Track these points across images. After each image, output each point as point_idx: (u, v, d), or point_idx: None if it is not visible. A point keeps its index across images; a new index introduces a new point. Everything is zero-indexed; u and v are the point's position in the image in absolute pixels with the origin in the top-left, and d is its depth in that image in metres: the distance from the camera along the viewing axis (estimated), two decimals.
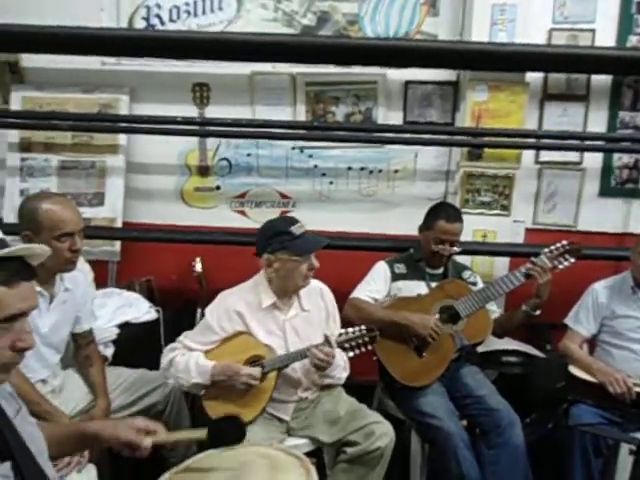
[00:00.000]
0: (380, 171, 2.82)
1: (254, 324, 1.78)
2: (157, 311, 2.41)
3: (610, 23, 2.61)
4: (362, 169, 2.82)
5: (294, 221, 1.79)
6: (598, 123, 2.70)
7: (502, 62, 2.46)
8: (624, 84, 2.67)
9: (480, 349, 2.30)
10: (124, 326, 2.18)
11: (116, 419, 1.66)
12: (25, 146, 2.78)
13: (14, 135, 2.77)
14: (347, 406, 1.82)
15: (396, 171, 2.82)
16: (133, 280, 2.69)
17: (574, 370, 2.02)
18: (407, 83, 2.72)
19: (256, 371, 1.70)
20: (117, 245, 2.75)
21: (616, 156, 2.73)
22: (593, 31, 2.60)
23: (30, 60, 2.79)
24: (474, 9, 2.49)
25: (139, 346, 2.23)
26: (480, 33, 2.49)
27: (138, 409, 1.85)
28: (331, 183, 2.84)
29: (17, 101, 2.76)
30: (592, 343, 2.18)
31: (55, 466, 1.14)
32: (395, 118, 2.75)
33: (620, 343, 2.01)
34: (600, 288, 2.11)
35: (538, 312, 1.98)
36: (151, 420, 1.19)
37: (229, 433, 1.13)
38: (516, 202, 2.65)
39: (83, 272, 1.92)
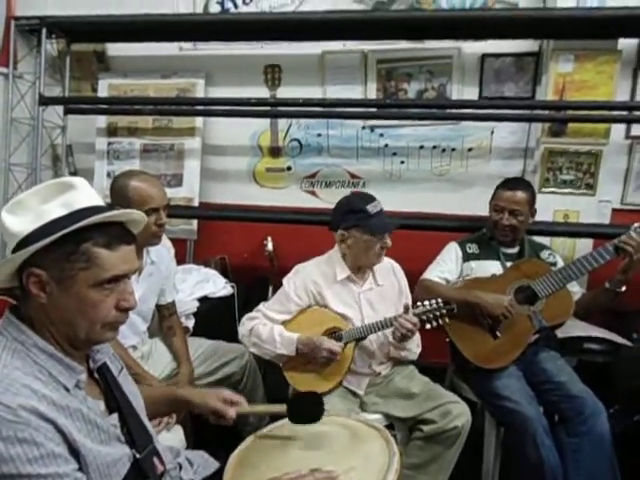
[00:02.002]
0: (453, 149, 2.73)
1: (330, 295, 1.82)
2: (232, 287, 2.51)
3: None
4: (434, 148, 2.75)
5: (371, 199, 1.78)
6: None
7: (593, 29, 2.29)
8: None
9: (560, 335, 2.20)
10: (203, 300, 2.30)
11: (203, 389, 1.76)
12: (112, 131, 2.96)
13: (102, 120, 2.96)
14: (422, 384, 1.82)
15: (470, 149, 2.72)
16: (209, 258, 2.82)
17: None
18: (483, 56, 2.61)
19: (337, 346, 1.73)
20: (194, 224, 2.88)
21: None
22: None
23: (115, 49, 2.95)
24: None
25: (216, 319, 2.34)
26: None
27: (217, 378, 1.95)
28: (402, 162, 2.79)
29: (104, 88, 2.94)
30: None
31: None
32: (470, 93, 2.65)
33: None
34: None
35: (623, 289, 1.86)
36: (233, 391, 1.26)
37: (308, 409, 1.16)
38: (603, 180, 2.48)
39: (166, 247, 2.04)
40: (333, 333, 1.78)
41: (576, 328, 2.29)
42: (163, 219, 1.72)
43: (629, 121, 2.49)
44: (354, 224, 1.76)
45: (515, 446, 1.77)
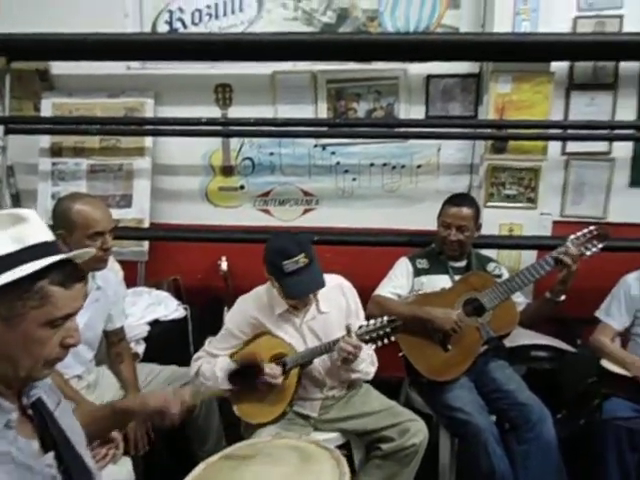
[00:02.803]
0: (403, 166, 2.81)
1: (272, 327, 1.78)
2: (185, 309, 2.46)
3: (638, 8, 2.54)
4: (385, 165, 2.82)
5: (292, 252, 1.64)
6: (627, 111, 2.62)
7: (526, 52, 2.42)
8: None
9: (508, 344, 2.28)
10: (154, 324, 2.24)
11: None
12: (56, 151, 2.86)
13: (45, 140, 2.86)
14: (378, 402, 1.82)
15: (419, 166, 2.81)
16: (161, 279, 2.75)
17: (607, 364, 1.98)
18: (428, 77, 2.71)
19: (275, 368, 1.70)
20: (145, 245, 2.81)
21: None
22: (621, 17, 2.54)
23: (59, 67, 2.88)
24: (495, 0, 2.46)
25: (169, 343, 2.28)
26: (503, 24, 2.45)
27: None
28: (354, 180, 2.84)
29: (47, 107, 2.85)
30: (624, 337, 2.13)
31: (92, 458, 1.18)
32: (417, 113, 2.74)
33: None
34: (632, 280, 2.06)
35: (562, 298, 1.94)
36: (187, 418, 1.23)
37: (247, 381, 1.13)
38: (543, 194, 2.60)
39: (114, 271, 1.98)
40: (278, 359, 1.75)
41: (524, 337, 2.37)
42: (109, 243, 1.67)
43: (564, 138, 2.64)
44: (272, 275, 1.71)
45: (468, 456, 1.81)
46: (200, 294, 2.82)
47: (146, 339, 2.14)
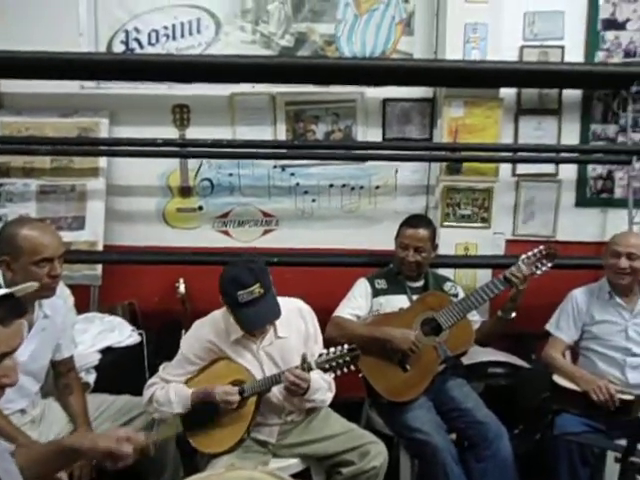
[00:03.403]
0: (362, 187, 2.85)
1: (229, 352, 1.75)
2: (140, 334, 2.38)
3: (578, 40, 2.71)
4: (344, 186, 2.85)
5: (246, 284, 1.62)
6: (571, 136, 2.78)
7: (476, 79, 2.53)
8: (594, 97, 2.75)
9: (466, 361, 2.32)
10: (106, 351, 2.15)
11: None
12: (3, 171, 2.75)
13: None
14: (339, 426, 1.80)
15: (377, 187, 2.85)
16: (115, 304, 2.66)
17: (558, 379, 2.04)
18: (385, 101, 2.78)
19: (232, 389, 1.67)
20: (98, 269, 2.72)
21: (590, 167, 2.80)
22: (562, 47, 2.69)
23: (8, 85, 2.78)
24: (447, 28, 2.57)
25: (122, 371, 2.19)
26: (454, 51, 2.56)
27: None
28: (313, 201, 2.86)
29: None
30: (574, 351, 2.20)
31: None
32: (374, 135, 2.79)
33: (601, 349, 2.04)
34: (579, 294, 2.15)
35: (513, 315, 2.01)
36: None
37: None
38: (496, 214, 2.69)
39: (63, 297, 1.90)
40: (235, 385, 1.71)
41: (481, 354, 2.42)
42: (57, 270, 1.60)
43: (514, 161, 2.75)
44: (227, 304, 1.69)
45: (427, 477, 1.82)
46: (157, 318, 2.74)
47: (98, 368, 2.05)
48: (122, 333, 2.28)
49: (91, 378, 2.00)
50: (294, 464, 1.76)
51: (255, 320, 1.66)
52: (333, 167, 2.81)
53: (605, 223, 2.83)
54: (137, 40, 2.77)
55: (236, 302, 1.62)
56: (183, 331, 2.54)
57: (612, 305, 2.05)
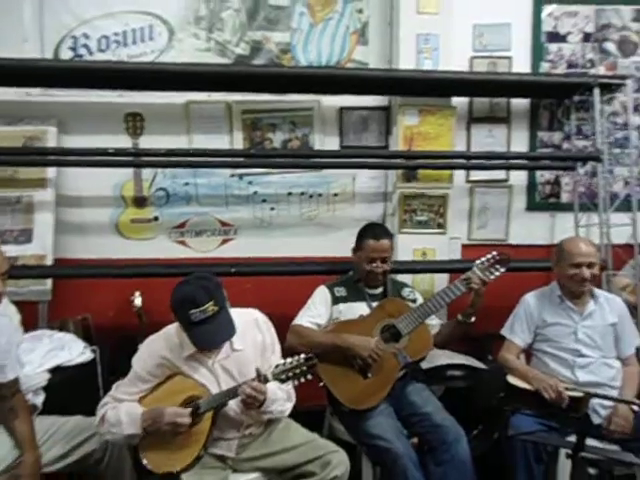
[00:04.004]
0: (320, 195, 2.86)
1: (183, 368, 1.71)
2: (93, 351, 2.29)
3: (524, 51, 2.82)
4: (302, 194, 2.85)
5: (199, 303, 1.58)
6: (520, 143, 2.89)
7: (430, 88, 2.59)
8: (541, 106, 2.87)
9: (426, 365, 2.35)
10: (56, 370, 2.05)
11: None
12: None
13: None
14: (299, 436, 1.78)
15: (335, 194, 2.87)
16: (67, 319, 2.55)
17: (512, 379, 2.09)
18: (341, 109, 2.80)
19: (183, 410, 1.62)
20: (48, 283, 2.60)
21: (538, 173, 2.92)
22: (510, 58, 2.80)
23: None
24: (400, 38, 2.62)
25: (74, 391, 2.10)
26: (407, 61, 2.61)
27: (74, 459, 1.74)
28: (272, 209, 2.84)
29: None
30: (528, 352, 2.28)
31: None
32: (331, 143, 2.81)
33: (552, 351, 2.11)
34: (531, 299, 2.22)
35: (473, 319, 2.05)
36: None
37: None
38: (451, 220, 2.76)
39: (8, 316, 1.81)
40: (190, 402, 1.67)
41: (440, 357, 2.46)
42: (0, 287, 1.52)
43: (468, 168, 2.83)
44: (180, 323, 1.65)
45: None
46: (112, 333, 2.64)
47: (47, 388, 1.95)
48: (73, 351, 2.18)
49: (39, 400, 1.90)
50: (254, 478, 1.73)
51: (209, 339, 1.63)
52: (291, 175, 2.81)
53: (554, 226, 2.95)
54: (86, 46, 2.69)
55: (189, 321, 1.59)
56: (140, 346, 2.47)
57: (563, 308, 2.13)
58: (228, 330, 1.65)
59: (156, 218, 2.80)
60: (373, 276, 2.15)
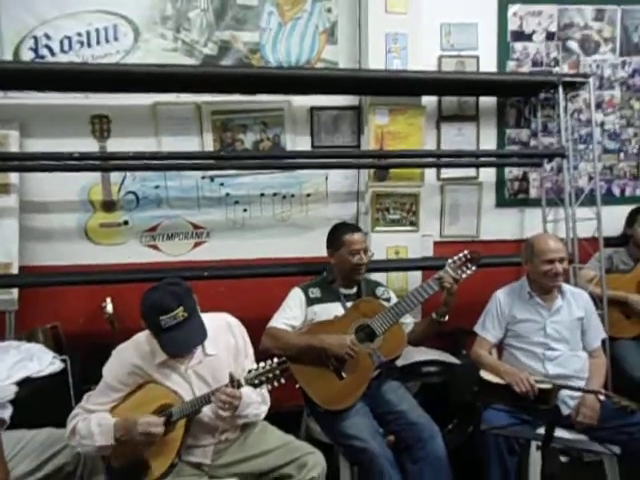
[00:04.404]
0: (293, 196, 2.85)
1: (156, 375, 1.69)
2: (63, 360, 2.23)
3: (491, 50, 2.87)
4: (275, 195, 2.84)
5: (168, 309, 1.57)
6: (489, 140, 2.93)
7: (399, 87, 2.61)
8: (508, 104, 2.92)
9: (401, 362, 2.37)
10: (24, 382, 2.00)
11: None
12: None
13: None
14: (275, 439, 1.77)
15: (308, 195, 2.87)
16: (36, 329, 2.48)
17: (484, 374, 2.14)
18: (312, 109, 2.79)
19: (156, 419, 1.60)
20: (14, 293, 2.52)
21: (507, 169, 2.97)
22: (477, 57, 2.84)
23: None
24: (369, 38, 2.62)
25: (45, 402, 2.05)
26: (377, 60, 2.62)
27: (45, 473, 1.69)
28: (245, 210, 2.82)
29: None
30: (500, 347, 2.32)
31: None
32: (303, 143, 2.81)
33: (522, 346, 2.16)
34: (501, 295, 2.27)
35: (446, 318, 2.08)
36: None
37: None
38: (423, 218, 2.79)
39: None
40: (163, 411, 1.65)
41: (415, 353, 2.49)
42: None
43: (438, 166, 2.86)
44: (150, 329, 1.63)
45: None
46: (83, 341, 2.59)
47: (14, 401, 1.90)
48: (43, 361, 2.12)
49: (6, 414, 1.84)
50: None
51: (180, 345, 1.62)
52: (263, 176, 2.80)
53: (523, 221, 3.01)
54: (48, 47, 2.61)
55: (159, 327, 1.57)
56: (113, 353, 2.42)
57: (532, 304, 2.18)
58: (199, 335, 1.64)
59: (126, 222, 2.75)
60: (359, 269, 2.16)
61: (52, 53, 2.62)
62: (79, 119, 2.64)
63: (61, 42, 2.62)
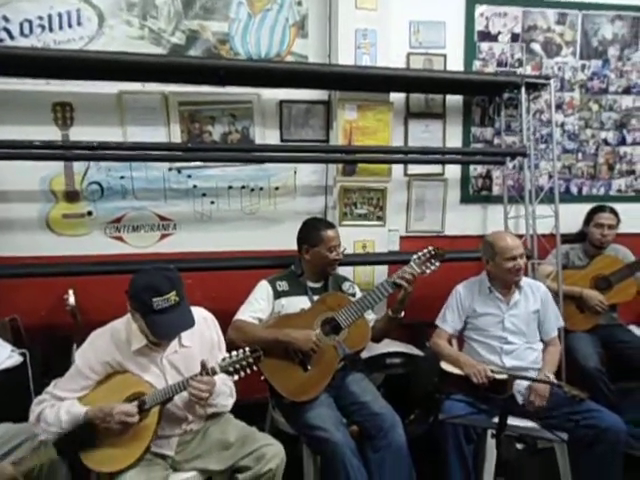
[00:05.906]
0: (261, 189, 2.85)
1: (129, 364, 1.69)
2: (22, 354, 2.19)
3: (458, 49, 2.92)
4: (243, 187, 2.83)
5: (162, 291, 1.58)
6: (455, 138, 3.00)
7: (368, 83, 2.63)
8: (473, 103, 2.99)
9: (366, 354, 2.43)
10: None
11: None
12: None
13: None
14: (237, 432, 1.79)
15: (277, 188, 2.87)
16: None
17: (444, 365, 2.21)
18: (281, 102, 2.79)
19: (131, 407, 1.61)
20: None
21: (472, 167, 3.05)
22: (444, 56, 2.89)
23: None
24: (339, 33, 2.63)
25: (2, 397, 2.00)
26: (346, 55, 2.63)
27: None
28: (212, 203, 2.81)
29: None
30: (460, 339, 2.40)
31: None
32: (272, 136, 2.80)
33: (481, 339, 2.25)
34: (462, 289, 2.34)
35: (402, 314, 2.14)
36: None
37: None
38: (390, 213, 2.84)
39: None
40: (135, 399, 1.65)
41: (379, 346, 2.55)
42: None
43: (405, 162, 2.91)
44: (139, 311, 1.62)
45: (329, 472, 1.89)
46: (44, 334, 2.54)
47: None
48: (0, 354, 2.07)
49: None
50: (194, 476, 1.73)
51: (169, 329, 1.63)
52: (232, 169, 2.78)
53: (485, 218, 3.10)
54: (7, 30, 2.50)
55: (150, 309, 1.57)
56: (75, 346, 2.38)
57: (491, 299, 2.27)
58: (188, 321, 1.66)
59: (90, 213, 2.69)
60: (334, 264, 2.22)
61: (11, 37, 2.52)
62: (40, 106, 2.55)
63: (21, 25, 2.52)
